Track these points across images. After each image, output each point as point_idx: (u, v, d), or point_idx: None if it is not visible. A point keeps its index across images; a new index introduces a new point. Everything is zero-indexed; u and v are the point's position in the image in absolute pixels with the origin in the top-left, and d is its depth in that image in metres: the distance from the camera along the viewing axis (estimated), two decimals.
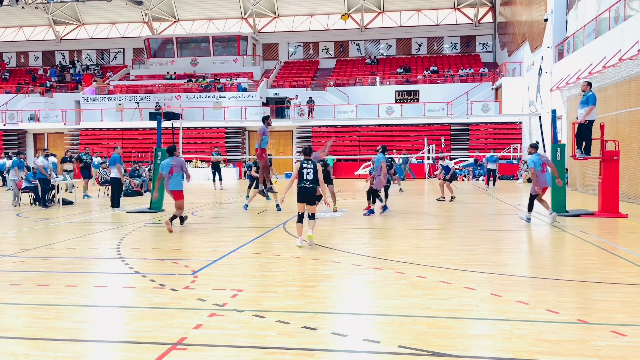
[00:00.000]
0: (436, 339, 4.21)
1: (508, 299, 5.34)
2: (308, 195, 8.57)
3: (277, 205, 13.81)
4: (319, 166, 8.72)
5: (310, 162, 8.70)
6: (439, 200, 16.37)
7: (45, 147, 18.35)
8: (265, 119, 13.52)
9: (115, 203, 14.47)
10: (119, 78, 42.07)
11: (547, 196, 11.97)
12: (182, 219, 11.04)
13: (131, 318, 4.91)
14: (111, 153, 15.33)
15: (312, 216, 8.74)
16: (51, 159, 20.48)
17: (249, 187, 15.06)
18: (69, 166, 19.62)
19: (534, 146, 11.61)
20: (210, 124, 34.66)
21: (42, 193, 15.14)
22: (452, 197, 16.44)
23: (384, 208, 13.13)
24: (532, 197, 11.33)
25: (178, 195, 10.78)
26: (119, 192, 14.82)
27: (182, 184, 10.92)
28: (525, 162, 27.96)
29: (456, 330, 4.44)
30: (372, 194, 13.00)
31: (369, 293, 5.71)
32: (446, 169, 16.95)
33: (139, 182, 20.51)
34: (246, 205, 14.28)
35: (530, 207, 11.33)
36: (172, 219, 10.53)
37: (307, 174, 8.60)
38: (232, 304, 5.21)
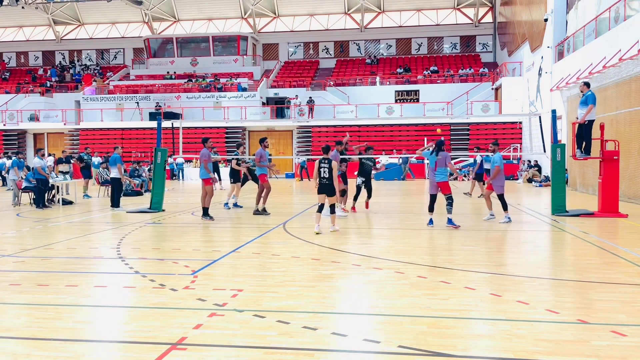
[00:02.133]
0: (436, 339, 4.21)
1: (508, 299, 5.34)
2: (325, 189, 9.85)
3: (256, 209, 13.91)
4: (334, 164, 9.86)
5: (326, 161, 9.89)
6: (479, 197, 16.66)
7: (39, 148, 18.29)
8: (262, 141, 13.12)
9: (115, 203, 14.47)
10: (119, 78, 42.09)
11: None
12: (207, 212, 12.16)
13: (131, 318, 4.91)
14: (112, 153, 15.35)
15: (332, 209, 9.95)
16: (50, 158, 20.48)
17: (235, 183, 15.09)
18: (64, 167, 19.45)
19: (497, 144, 11.80)
20: (210, 124, 34.65)
21: (38, 194, 15.09)
22: (467, 193, 17.19)
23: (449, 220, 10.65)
24: (502, 197, 11.33)
25: (207, 182, 12.20)
26: (119, 192, 14.82)
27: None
28: (529, 161, 27.96)
29: (456, 330, 4.44)
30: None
31: (369, 293, 5.71)
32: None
33: (139, 182, 20.50)
34: (226, 205, 14.52)
35: (505, 207, 11.32)
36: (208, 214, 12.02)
37: (324, 172, 9.86)
38: (232, 304, 5.21)
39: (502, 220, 11.27)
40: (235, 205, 14.64)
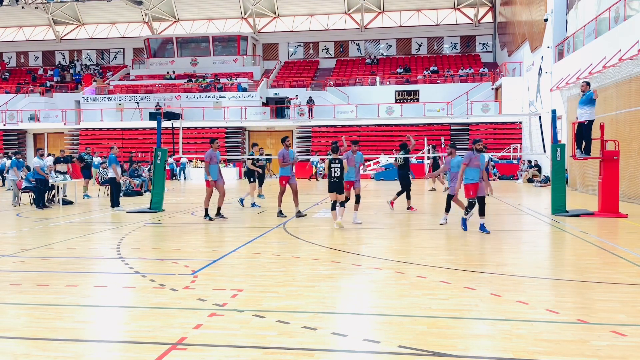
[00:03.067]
0: (436, 339, 4.21)
1: (508, 299, 5.34)
2: (336, 187, 10.38)
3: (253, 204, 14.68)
4: (345, 163, 10.47)
5: (337, 161, 10.33)
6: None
7: (39, 148, 18.25)
8: (284, 140, 12.70)
9: (114, 203, 14.49)
10: (119, 78, 42.09)
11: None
12: (219, 212, 12.11)
13: (131, 318, 4.91)
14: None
15: (341, 204, 10.47)
16: (49, 158, 20.42)
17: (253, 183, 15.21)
18: (62, 167, 19.36)
19: (455, 147, 11.21)
20: (210, 124, 34.67)
21: (38, 194, 15.08)
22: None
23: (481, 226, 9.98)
24: (451, 197, 10.86)
25: (207, 183, 12.10)
26: (117, 192, 14.83)
27: (216, 173, 12.18)
28: (529, 161, 27.94)
29: (456, 330, 4.44)
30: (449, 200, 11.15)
31: (369, 293, 5.71)
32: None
33: (139, 182, 20.50)
34: (253, 204, 14.67)
35: (448, 209, 11.05)
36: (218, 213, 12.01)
37: (335, 171, 10.33)
38: (232, 304, 5.21)
39: (442, 221, 11.01)
40: (253, 205, 14.72)
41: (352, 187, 11.38)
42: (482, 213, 9.94)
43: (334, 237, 9.51)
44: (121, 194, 17.89)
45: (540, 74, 26.93)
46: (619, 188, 12.61)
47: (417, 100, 35.72)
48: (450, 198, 11.01)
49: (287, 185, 12.42)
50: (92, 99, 38.02)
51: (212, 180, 12.02)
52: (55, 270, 6.89)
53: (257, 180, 16.12)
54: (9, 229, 11.03)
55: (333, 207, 10.51)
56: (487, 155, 17.57)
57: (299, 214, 12.32)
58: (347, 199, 11.06)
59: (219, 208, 12.10)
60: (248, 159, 14.91)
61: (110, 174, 14.78)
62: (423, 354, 3.93)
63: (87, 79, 41.55)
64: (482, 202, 9.92)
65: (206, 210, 12.10)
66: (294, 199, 12.44)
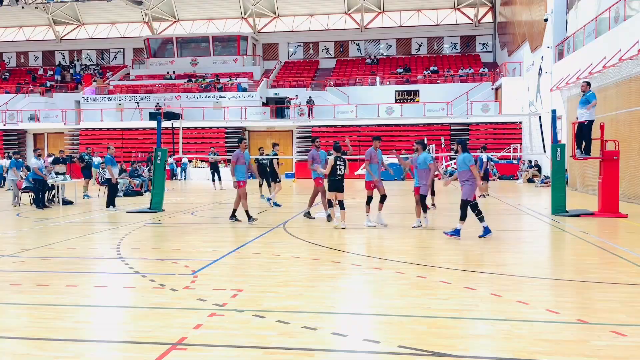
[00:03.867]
0: (436, 339, 4.21)
1: (508, 299, 5.34)
2: (338, 186, 10.31)
3: (275, 202, 14.73)
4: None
5: (342, 159, 10.42)
6: (480, 197, 15.45)
7: (37, 148, 18.19)
8: (313, 141, 12.40)
9: (108, 203, 14.52)
10: (119, 78, 42.08)
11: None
12: (234, 214, 11.63)
13: (131, 318, 4.91)
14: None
15: (342, 205, 10.32)
16: (50, 158, 20.40)
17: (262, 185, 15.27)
18: (61, 168, 19.27)
19: (422, 143, 10.70)
20: (210, 124, 34.67)
21: (37, 194, 15.07)
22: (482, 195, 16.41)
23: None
24: (424, 198, 10.32)
25: (238, 184, 11.37)
26: (112, 192, 14.81)
27: (243, 174, 11.44)
28: (529, 161, 27.92)
29: (456, 330, 4.44)
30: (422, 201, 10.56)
31: (369, 293, 5.71)
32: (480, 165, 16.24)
33: (139, 182, 20.50)
34: (269, 199, 14.91)
35: (425, 209, 10.40)
36: (247, 215, 11.29)
37: (340, 169, 10.33)
38: (232, 304, 5.21)
39: (414, 225, 10.47)
40: (275, 204, 14.77)
41: (376, 187, 10.66)
42: (462, 217, 9.07)
43: (334, 237, 9.51)
44: (120, 194, 17.93)
45: (540, 74, 26.93)
46: (619, 188, 12.61)
47: (417, 100, 35.73)
48: (423, 199, 10.34)
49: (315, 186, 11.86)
50: (92, 99, 38.02)
51: (242, 181, 11.29)
52: (55, 270, 6.89)
53: (263, 179, 16.14)
54: (9, 229, 11.03)
55: (334, 206, 10.52)
56: (485, 155, 17.36)
57: (307, 215, 12.14)
58: (371, 198, 10.65)
59: (234, 210, 11.63)
60: (272, 158, 14.86)
61: (108, 174, 14.78)
62: (423, 354, 3.93)
63: (87, 79, 41.55)
64: (467, 204, 9.06)
65: (247, 212, 11.35)
66: (310, 199, 12.15)
